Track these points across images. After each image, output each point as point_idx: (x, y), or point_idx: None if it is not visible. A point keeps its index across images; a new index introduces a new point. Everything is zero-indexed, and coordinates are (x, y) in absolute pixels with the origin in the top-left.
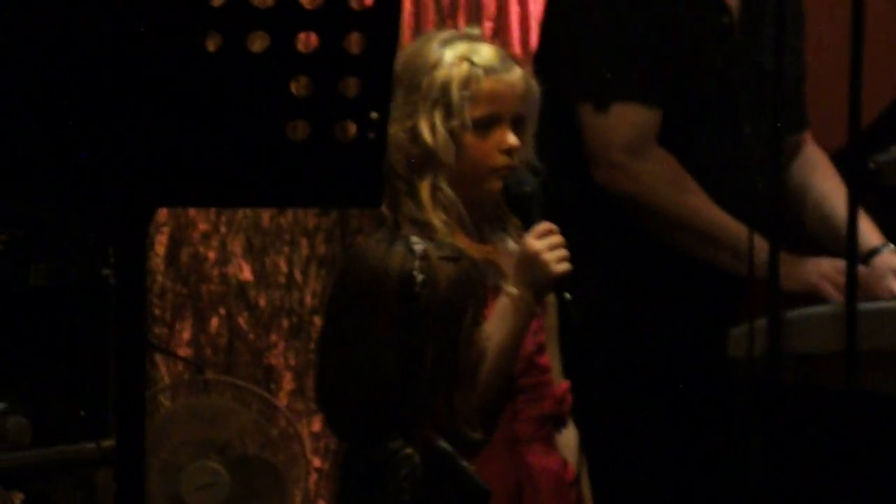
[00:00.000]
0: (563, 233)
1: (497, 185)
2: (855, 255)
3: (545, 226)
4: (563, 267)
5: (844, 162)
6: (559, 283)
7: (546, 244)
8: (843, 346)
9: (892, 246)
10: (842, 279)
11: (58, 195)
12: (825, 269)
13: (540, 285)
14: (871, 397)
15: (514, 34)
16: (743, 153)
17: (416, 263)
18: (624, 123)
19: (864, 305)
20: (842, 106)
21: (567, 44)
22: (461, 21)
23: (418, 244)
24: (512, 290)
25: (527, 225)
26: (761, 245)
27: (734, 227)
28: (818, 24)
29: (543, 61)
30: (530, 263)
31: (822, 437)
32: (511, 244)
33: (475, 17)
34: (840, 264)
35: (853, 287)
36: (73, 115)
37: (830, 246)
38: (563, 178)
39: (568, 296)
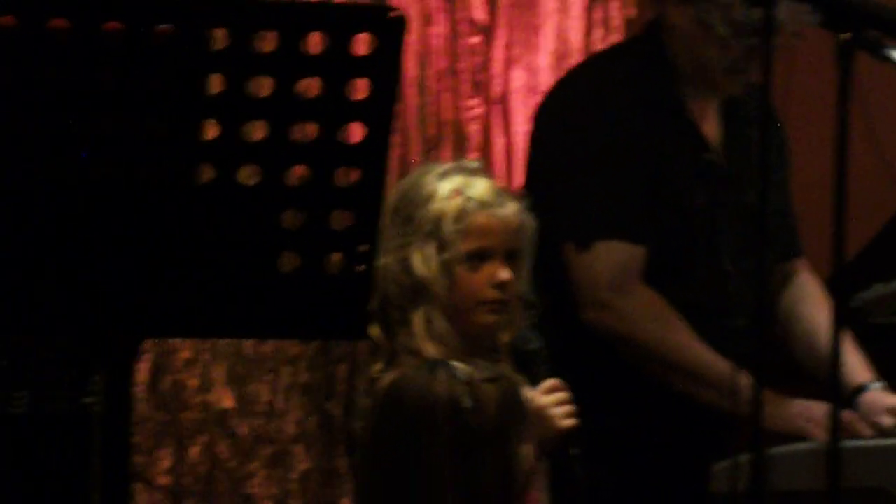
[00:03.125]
0: (559, 370)
1: (488, 318)
2: (837, 389)
3: (552, 382)
4: (569, 422)
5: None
6: (565, 438)
7: (552, 400)
8: (826, 484)
9: (879, 383)
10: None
11: (46, 325)
12: (813, 413)
13: (545, 440)
14: None
15: (499, 166)
16: (725, 290)
17: (462, 389)
18: (608, 261)
19: (847, 443)
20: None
21: (550, 182)
22: (446, 152)
23: (461, 368)
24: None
25: (533, 381)
26: (746, 383)
27: (718, 365)
28: (805, 158)
29: (528, 199)
30: (536, 418)
31: None
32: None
33: (460, 148)
34: (827, 407)
35: (837, 424)
36: (64, 249)
37: (819, 377)
38: (555, 313)
39: (574, 451)
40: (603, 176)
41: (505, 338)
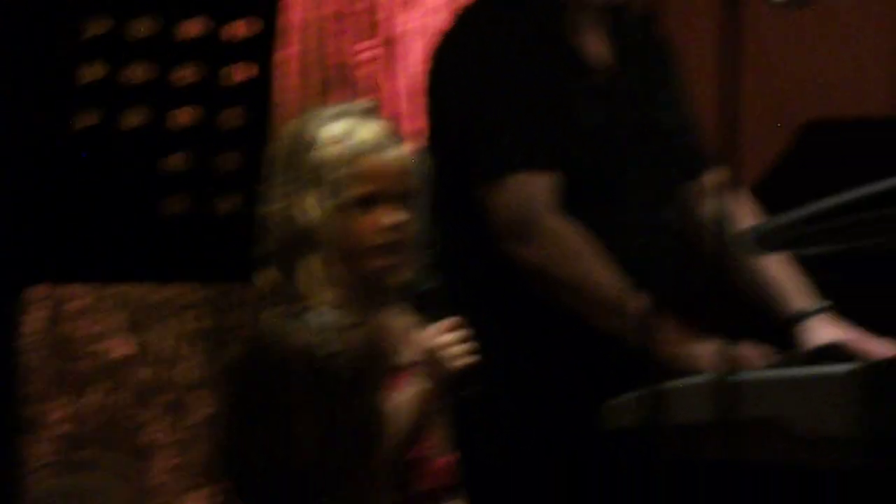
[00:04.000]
0: (472, 306)
1: (380, 261)
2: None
3: (448, 322)
4: (465, 361)
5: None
6: (462, 377)
7: (448, 340)
8: (720, 416)
9: (817, 307)
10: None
11: None
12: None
13: (441, 380)
14: (748, 466)
15: (393, 108)
16: (633, 205)
17: (319, 337)
18: (518, 193)
19: (739, 375)
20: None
21: (452, 124)
22: (339, 97)
23: (318, 317)
24: (416, 380)
25: (430, 321)
26: (650, 315)
27: (629, 296)
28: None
29: (434, 149)
30: (432, 358)
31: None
32: (399, 319)
33: (352, 91)
34: (743, 346)
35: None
36: None
37: (755, 300)
38: (466, 253)
39: (470, 391)
40: (502, 111)
41: (400, 279)
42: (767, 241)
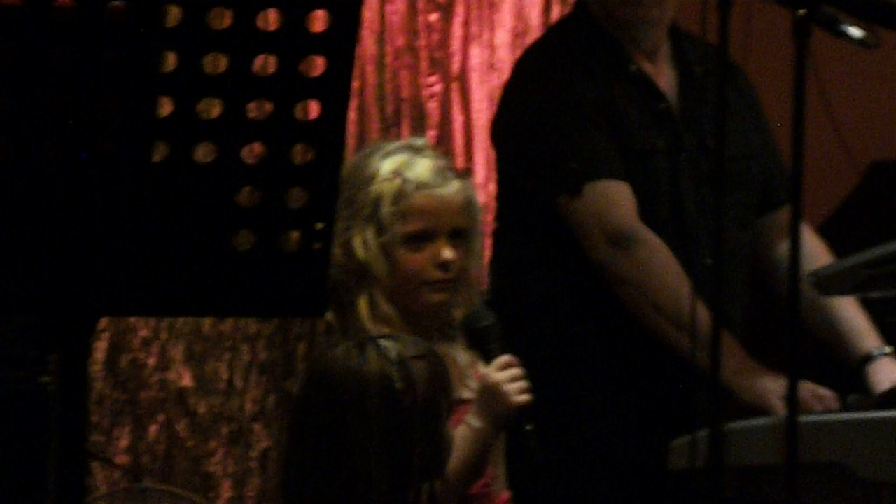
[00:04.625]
0: (514, 347)
1: (434, 297)
2: (795, 367)
3: (506, 359)
4: (524, 398)
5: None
6: (519, 414)
7: (506, 376)
8: (784, 459)
9: (888, 349)
10: (812, 402)
11: (2, 305)
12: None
13: (500, 417)
14: None
15: (458, 142)
16: (689, 231)
17: (393, 367)
18: (607, 200)
19: (805, 418)
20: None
21: (526, 148)
22: (405, 129)
23: (390, 345)
24: (473, 421)
25: (487, 358)
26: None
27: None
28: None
29: (509, 169)
30: (491, 395)
31: None
32: (461, 354)
33: (419, 125)
34: (806, 385)
35: (794, 398)
36: (19, 227)
37: (825, 339)
38: (529, 278)
39: (529, 427)
40: (571, 131)
41: (458, 314)
42: (828, 284)
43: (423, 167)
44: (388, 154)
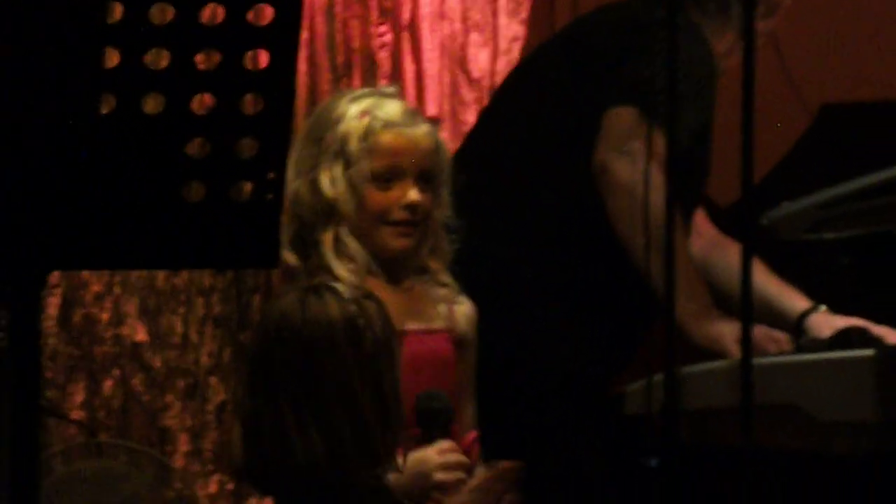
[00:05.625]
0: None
1: (396, 242)
2: (750, 309)
3: (448, 444)
4: (445, 477)
5: (738, 217)
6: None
7: (443, 461)
8: (739, 401)
9: (822, 307)
10: (767, 345)
11: None
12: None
13: (421, 493)
14: (767, 453)
15: (409, 92)
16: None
17: (353, 308)
18: (650, 139)
19: (759, 360)
20: (734, 162)
21: (628, 57)
22: (356, 80)
23: (342, 288)
24: (395, 483)
25: (429, 439)
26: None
27: (690, 265)
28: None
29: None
30: (420, 475)
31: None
32: (434, 290)
33: (370, 75)
34: (760, 328)
35: (748, 344)
36: None
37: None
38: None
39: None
40: (695, 94)
41: (434, 265)
42: (782, 226)
43: (392, 107)
44: (356, 98)
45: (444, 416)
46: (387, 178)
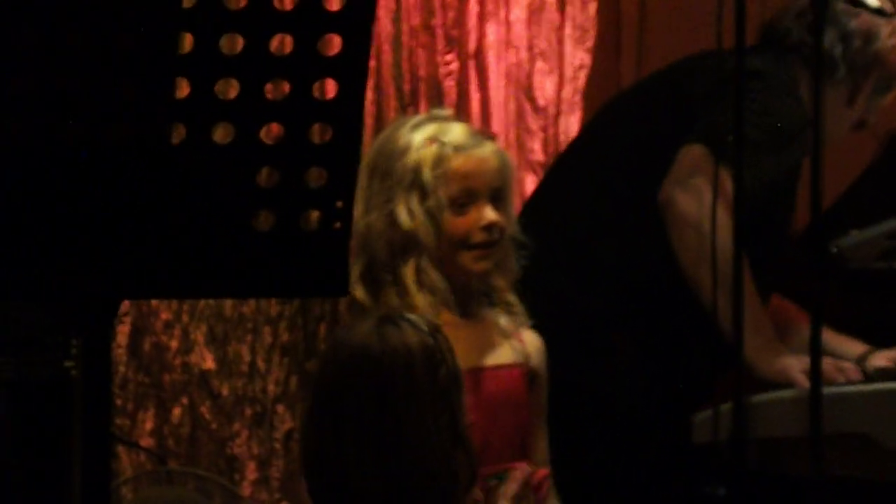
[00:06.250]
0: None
1: (476, 265)
2: (818, 339)
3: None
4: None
5: (807, 245)
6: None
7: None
8: (807, 431)
9: (879, 351)
10: (834, 375)
11: (23, 290)
12: (805, 364)
13: None
14: (836, 482)
15: (475, 120)
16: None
17: (430, 339)
18: (723, 181)
19: (828, 389)
20: (804, 190)
21: (710, 98)
22: (422, 108)
23: (416, 318)
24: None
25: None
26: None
27: (757, 302)
28: None
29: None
30: None
31: None
32: (501, 319)
33: (436, 103)
34: (827, 359)
35: (817, 374)
36: (39, 213)
37: None
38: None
39: None
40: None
41: (499, 282)
42: (850, 255)
43: (457, 131)
44: (416, 125)
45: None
46: (462, 202)
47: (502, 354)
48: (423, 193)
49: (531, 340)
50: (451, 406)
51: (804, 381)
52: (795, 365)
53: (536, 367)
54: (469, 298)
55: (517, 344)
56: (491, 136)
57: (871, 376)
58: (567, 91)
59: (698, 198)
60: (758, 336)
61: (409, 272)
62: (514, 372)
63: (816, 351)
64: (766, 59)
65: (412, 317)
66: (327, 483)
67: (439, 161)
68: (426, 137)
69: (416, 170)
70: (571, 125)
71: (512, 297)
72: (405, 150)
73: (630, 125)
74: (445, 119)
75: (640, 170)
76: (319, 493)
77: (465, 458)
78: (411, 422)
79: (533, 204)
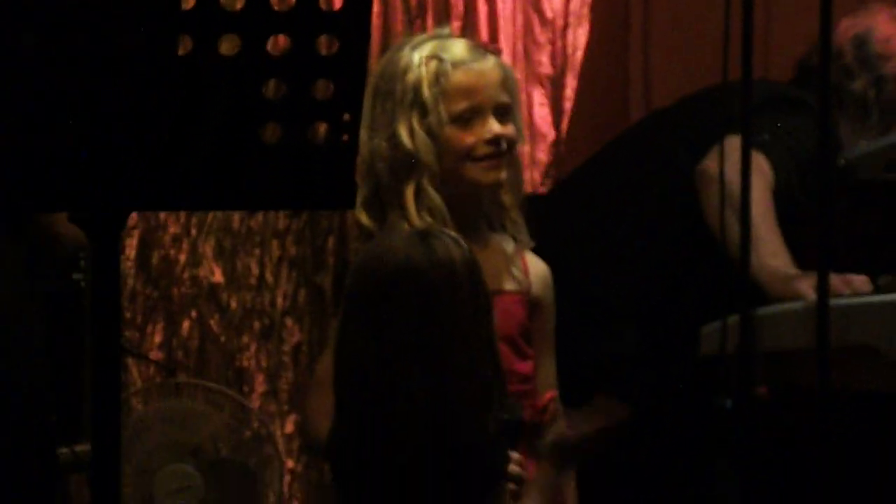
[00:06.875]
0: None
1: (485, 176)
2: (827, 252)
3: (514, 456)
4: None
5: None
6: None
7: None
8: (814, 342)
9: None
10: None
11: (30, 201)
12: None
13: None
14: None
15: (483, 33)
16: None
17: (467, 252)
18: (761, 164)
19: (834, 301)
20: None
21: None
22: (430, 21)
23: (449, 233)
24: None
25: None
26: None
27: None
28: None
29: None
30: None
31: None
32: (509, 244)
33: (444, 16)
34: (838, 275)
35: (825, 286)
36: (44, 124)
37: None
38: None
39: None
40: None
41: (507, 198)
42: (858, 166)
43: (457, 47)
44: (417, 45)
45: (513, 427)
46: (466, 117)
47: (502, 281)
48: (424, 111)
49: (535, 266)
50: (487, 320)
51: (810, 293)
52: (804, 279)
53: (539, 293)
54: (474, 220)
55: (519, 270)
56: (494, 51)
57: (881, 287)
58: (575, 3)
59: (730, 163)
60: (776, 259)
61: (409, 192)
62: (513, 299)
63: (825, 264)
64: (804, 93)
65: (450, 232)
66: (365, 391)
67: (438, 77)
68: (425, 55)
69: (416, 88)
70: (579, 37)
71: (518, 216)
72: (406, 69)
73: (659, 143)
74: (447, 37)
75: (671, 168)
76: (355, 403)
77: (495, 374)
78: (454, 333)
79: (554, 196)
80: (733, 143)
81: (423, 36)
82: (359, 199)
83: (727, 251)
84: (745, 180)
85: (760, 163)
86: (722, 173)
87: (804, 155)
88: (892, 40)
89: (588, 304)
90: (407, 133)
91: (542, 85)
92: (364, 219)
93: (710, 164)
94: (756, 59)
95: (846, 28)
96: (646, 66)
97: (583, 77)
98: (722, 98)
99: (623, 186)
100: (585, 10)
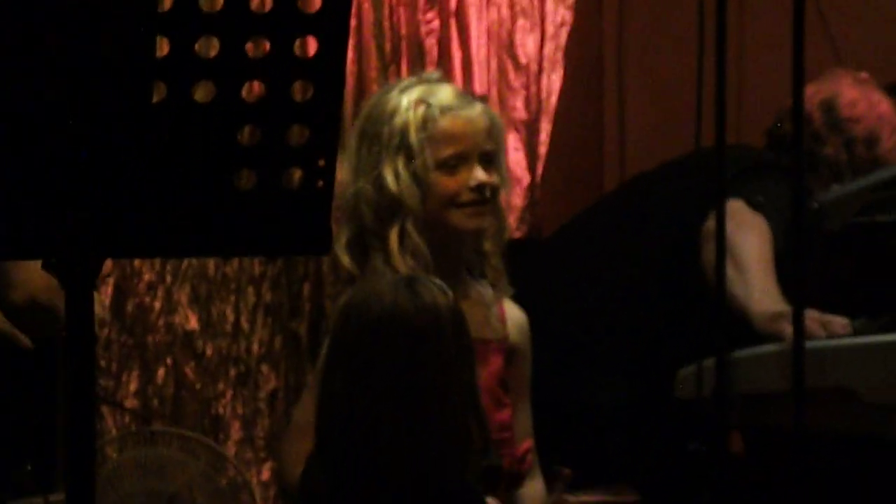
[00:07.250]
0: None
1: (468, 223)
2: (803, 294)
3: (492, 502)
4: None
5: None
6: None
7: None
8: (790, 386)
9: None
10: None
11: (3, 248)
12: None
13: None
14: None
15: (457, 78)
16: None
17: (451, 300)
18: (760, 223)
19: (811, 344)
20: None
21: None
22: (404, 67)
23: (434, 280)
24: None
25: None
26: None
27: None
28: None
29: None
30: None
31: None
32: (488, 291)
33: (418, 62)
34: (811, 313)
35: (800, 328)
36: (19, 173)
37: None
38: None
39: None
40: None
41: (489, 246)
42: (832, 212)
43: (445, 92)
44: (405, 88)
45: (491, 474)
46: (452, 163)
47: (481, 328)
48: (410, 155)
49: (513, 314)
50: (470, 367)
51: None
52: (788, 319)
53: (515, 341)
54: (455, 265)
55: (497, 319)
56: (481, 98)
57: (857, 329)
58: (549, 48)
59: (732, 220)
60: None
61: (394, 236)
62: (492, 347)
63: (800, 306)
64: (778, 157)
65: (435, 280)
66: (347, 437)
67: (426, 123)
68: (413, 100)
69: (403, 132)
70: (553, 83)
71: (499, 263)
72: (393, 113)
73: (650, 204)
74: (434, 81)
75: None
76: (337, 446)
77: (476, 423)
78: (437, 378)
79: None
80: (734, 206)
81: (412, 80)
82: (342, 241)
83: (730, 304)
84: (720, 222)
85: (759, 223)
86: (721, 228)
87: (788, 218)
88: (858, 103)
89: (573, 352)
90: (392, 176)
91: (516, 130)
92: (346, 261)
93: (711, 223)
94: (729, 102)
95: (812, 94)
96: (620, 110)
97: (557, 122)
98: (705, 163)
99: (612, 240)
100: (559, 56)
